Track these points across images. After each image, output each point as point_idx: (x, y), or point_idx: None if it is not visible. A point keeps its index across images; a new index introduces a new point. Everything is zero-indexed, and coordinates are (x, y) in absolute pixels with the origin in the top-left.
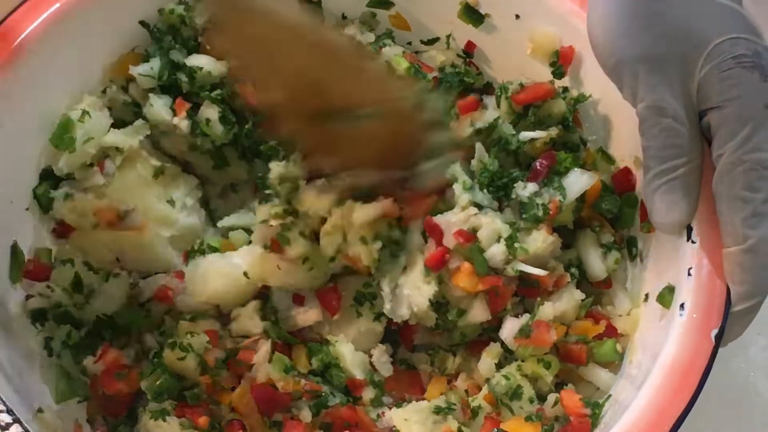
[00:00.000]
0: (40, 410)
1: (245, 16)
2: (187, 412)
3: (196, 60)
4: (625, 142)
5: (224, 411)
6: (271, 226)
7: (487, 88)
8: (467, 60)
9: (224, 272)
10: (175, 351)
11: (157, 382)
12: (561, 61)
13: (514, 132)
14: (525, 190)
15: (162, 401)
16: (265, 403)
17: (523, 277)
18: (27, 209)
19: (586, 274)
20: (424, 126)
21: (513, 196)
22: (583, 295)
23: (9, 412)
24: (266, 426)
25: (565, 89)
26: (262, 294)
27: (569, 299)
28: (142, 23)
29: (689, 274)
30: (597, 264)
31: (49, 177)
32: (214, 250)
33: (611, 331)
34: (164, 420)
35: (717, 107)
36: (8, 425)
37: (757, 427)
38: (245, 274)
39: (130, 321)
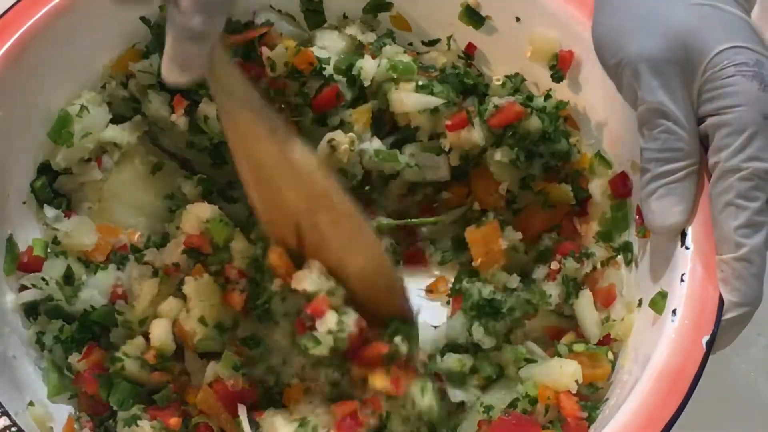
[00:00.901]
0: (31, 404)
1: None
2: (159, 414)
3: None
4: (623, 147)
5: (193, 411)
6: None
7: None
8: (468, 62)
9: None
10: (115, 363)
11: (117, 393)
12: (560, 65)
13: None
14: None
15: (129, 408)
16: (230, 401)
17: None
18: (24, 203)
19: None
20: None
21: None
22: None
23: None
24: (236, 425)
25: (548, 96)
26: None
27: None
28: (143, 19)
29: (682, 280)
30: (593, 327)
31: (47, 171)
32: None
33: (605, 338)
34: (136, 425)
35: (715, 114)
36: None
37: (757, 427)
38: None
39: (105, 320)
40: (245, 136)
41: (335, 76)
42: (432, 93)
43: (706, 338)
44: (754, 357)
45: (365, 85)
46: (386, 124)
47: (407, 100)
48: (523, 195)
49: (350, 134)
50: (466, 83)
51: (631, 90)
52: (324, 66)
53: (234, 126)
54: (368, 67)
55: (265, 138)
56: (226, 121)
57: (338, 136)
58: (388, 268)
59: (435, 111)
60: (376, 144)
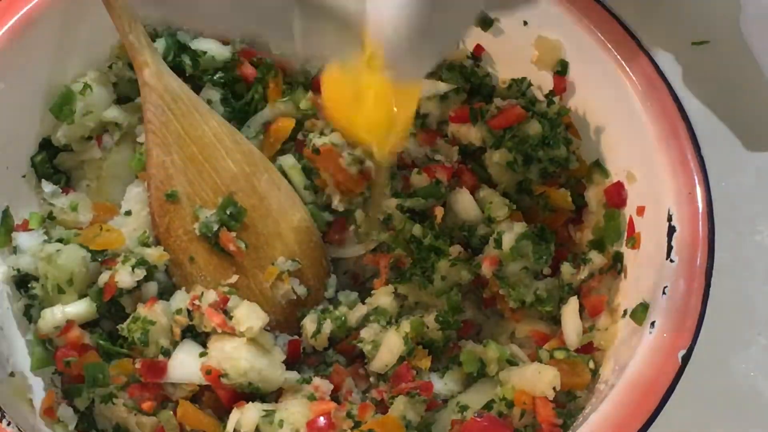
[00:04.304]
0: (11, 374)
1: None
2: (136, 392)
3: (202, 44)
4: (621, 156)
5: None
6: None
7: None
8: (475, 63)
9: None
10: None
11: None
12: (556, 86)
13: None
14: None
15: (105, 385)
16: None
17: None
18: (23, 176)
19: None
20: None
21: None
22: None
23: None
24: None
25: (551, 101)
26: None
27: None
28: None
29: (664, 293)
30: (572, 335)
31: (48, 147)
32: None
33: (588, 347)
34: (113, 403)
35: None
36: None
37: (757, 427)
38: None
39: None
40: (188, 118)
41: None
42: (441, 79)
43: (682, 352)
44: (754, 357)
45: None
46: None
47: None
48: (520, 199)
49: None
50: (473, 81)
51: None
52: None
53: (172, 117)
54: None
55: (209, 115)
56: (160, 117)
57: None
58: (314, 225)
59: (444, 98)
60: None
